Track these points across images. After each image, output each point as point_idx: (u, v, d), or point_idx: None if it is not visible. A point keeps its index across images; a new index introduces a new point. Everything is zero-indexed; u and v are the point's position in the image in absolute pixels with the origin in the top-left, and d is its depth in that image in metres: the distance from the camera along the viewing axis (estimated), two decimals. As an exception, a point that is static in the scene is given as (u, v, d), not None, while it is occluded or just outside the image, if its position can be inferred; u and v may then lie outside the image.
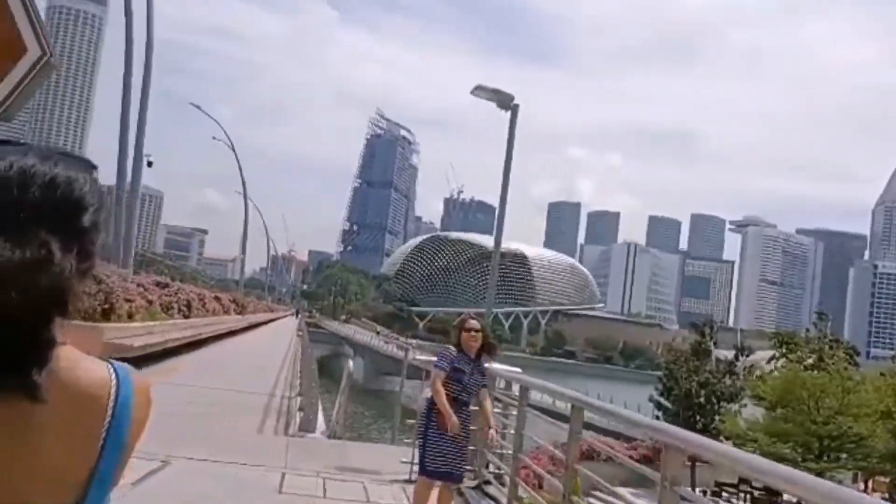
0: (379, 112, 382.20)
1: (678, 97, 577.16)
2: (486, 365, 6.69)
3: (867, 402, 30.68)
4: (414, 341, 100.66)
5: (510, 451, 6.98)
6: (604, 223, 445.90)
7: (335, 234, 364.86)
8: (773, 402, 35.43)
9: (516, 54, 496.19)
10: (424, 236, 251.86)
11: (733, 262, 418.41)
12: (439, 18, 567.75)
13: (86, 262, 0.90)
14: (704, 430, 35.48)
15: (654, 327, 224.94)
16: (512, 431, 7.09)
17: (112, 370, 0.96)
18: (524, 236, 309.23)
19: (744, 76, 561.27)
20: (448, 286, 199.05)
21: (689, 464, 34.92)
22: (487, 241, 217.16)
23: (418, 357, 8.25)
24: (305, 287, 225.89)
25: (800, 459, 30.87)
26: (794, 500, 32.61)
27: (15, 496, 0.81)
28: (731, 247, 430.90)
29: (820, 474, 31.69)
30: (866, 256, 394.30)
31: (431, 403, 6.19)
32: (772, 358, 45.73)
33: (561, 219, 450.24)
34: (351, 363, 10.36)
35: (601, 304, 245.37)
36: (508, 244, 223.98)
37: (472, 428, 6.46)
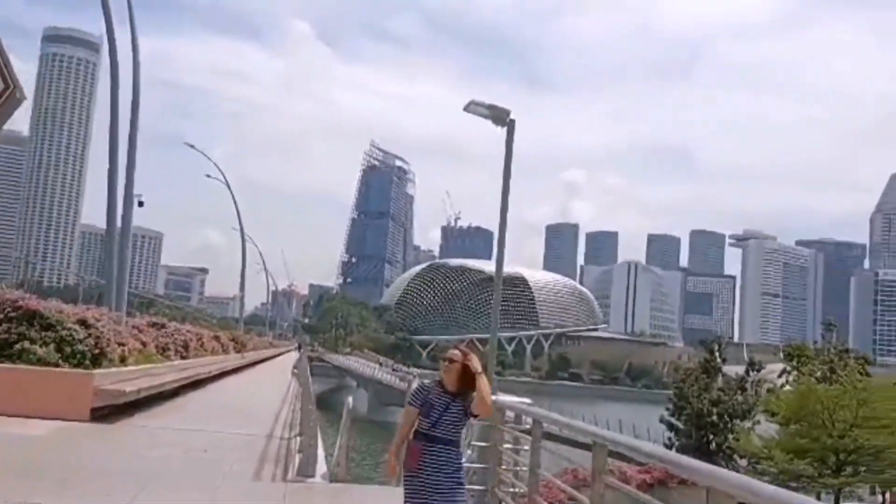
0: (374, 143, 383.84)
1: (673, 114, 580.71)
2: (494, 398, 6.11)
3: (883, 414, 30.02)
4: (416, 370, 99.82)
5: (524, 490, 6.44)
6: (603, 243, 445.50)
7: (335, 266, 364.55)
8: (787, 417, 34.74)
9: (509, 80, 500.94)
10: (424, 265, 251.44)
11: (735, 277, 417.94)
12: (430, 48, 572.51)
13: None
14: (719, 449, 34.84)
15: (660, 346, 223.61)
16: (525, 468, 6.52)
17: None
18: (523, 260, 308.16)
19: (738, 90, 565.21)
20: (450, 313, 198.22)
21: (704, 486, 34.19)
22: (487, 266, 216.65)
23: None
24: (307, 321, 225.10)
25: (817, 475, 30.15)
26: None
27: None
28: (732, 261, 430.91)
29: (839, 489, 30.97)
30: (866, 265, 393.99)
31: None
32: (783, 372, 45.04)
33: (559, 241, 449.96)
34: (350, 399, 9.83)
35: (604, 325, 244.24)
36: (508, 268, 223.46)
37: (463, 464, 5.82)
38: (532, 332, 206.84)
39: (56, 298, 17.80)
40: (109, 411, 13.57)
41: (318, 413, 12.05)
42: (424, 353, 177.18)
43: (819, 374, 38.01)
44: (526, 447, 6.68)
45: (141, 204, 25.15)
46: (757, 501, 2.80)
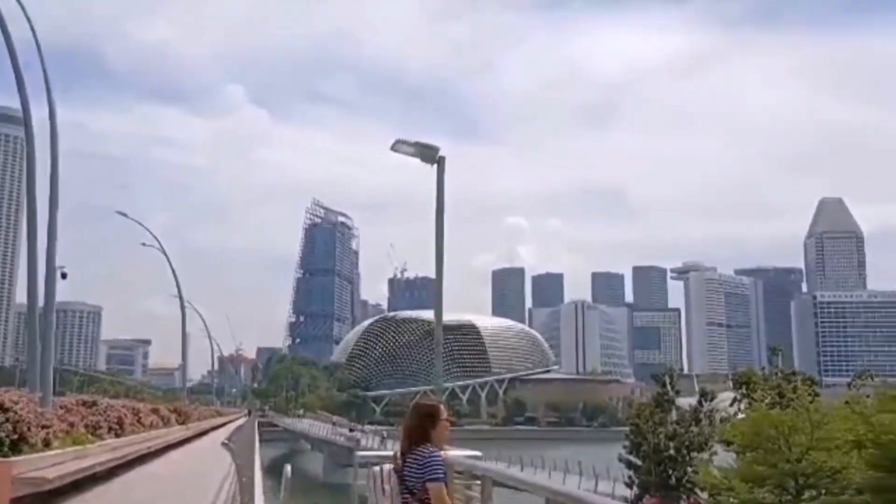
0: (316, 201, 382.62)
1: (607, 156, 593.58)
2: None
3: (836, 434, 30.11)
4: (370, 427, 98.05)
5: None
6: (549, 285, 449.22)
7: (283, 328, 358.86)
8: (743, 445, 34.62)
9: (448, 133, 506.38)
10: (372, 319, 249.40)
11: (679, 309, 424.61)
12: (368, 107, 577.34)
13: None
14: (679, 484, 34.51)
15: (612, 383, 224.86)
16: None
17: None
18: (472, 307, 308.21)
19: (665, 128, 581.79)
20: (401, 367, 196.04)
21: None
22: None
23: (365, 454, 7.03)
24: (256, 385, 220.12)
25: (779, 502, 29.97)
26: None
27: None
28: (676, 294, 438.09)
29: (801, 515, 30.80)
30: (804, 288, 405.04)
31: None
32: (734, 400, 45.29)
33: (506, 286, 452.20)
34: (288, 467, 9.14)
35: (556, 366, 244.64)
36: (457, 316, 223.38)
37: None
38: (486, 379, 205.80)
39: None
40: (31, 501, 12.52)
41: (268, 482, 11.28)
42: (378, 409, 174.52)
43: (769, 399, 38.16)
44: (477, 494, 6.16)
45: (64, 276, 24.09)
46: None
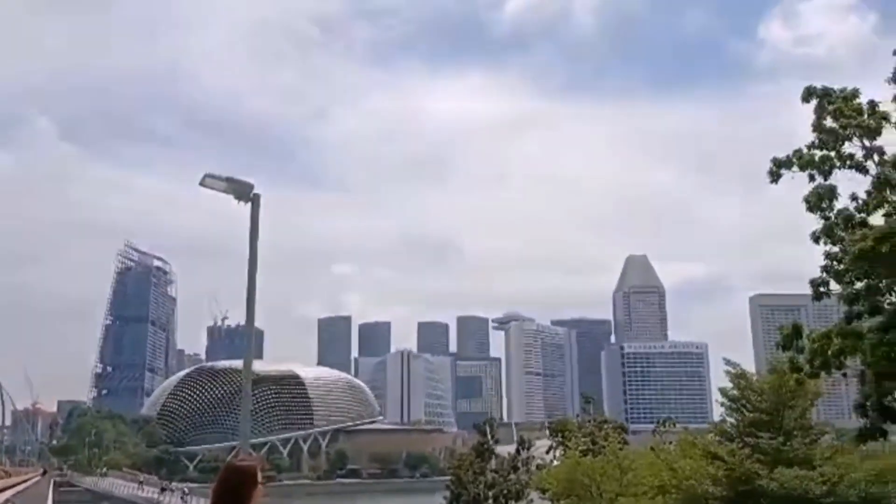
0: (129, 243, 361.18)
1: (434, 208, 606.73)
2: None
3: (643, 480, 31.66)
4: (185, 486, 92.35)
5: None
6: (376, 334, 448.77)
7: (88, 379, 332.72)
8: (558, 493, 35.66)
9: (277, 178, 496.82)
10: (188, 369, 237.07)
11: (500, 359, 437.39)
12: (194, 147, 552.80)
13: None
14: (497, 534, 34.82)
15: (435, 432, 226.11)
16: None
17: None
18: (297, 356, 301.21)
19: (491, 185, 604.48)
20: (219, 420, 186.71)
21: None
22: (258, 365, 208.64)
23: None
24: (55, 442, 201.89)
25: (591, 548, 30.93)
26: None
27: None
28: (497, 344, 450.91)
29: (611, 559, 31.92)
30: (613, 339, 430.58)
31: None
32: (550, 448, 46.70)
33: (332, 334, 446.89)
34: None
35: (381, 417, 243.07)
36: (281, 366, 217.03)
37: None
38: (308, 431, 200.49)
39: None
40: None
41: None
42: (192, 466, 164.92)
43: (583, 446, 39.62)
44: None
45: None
46: None
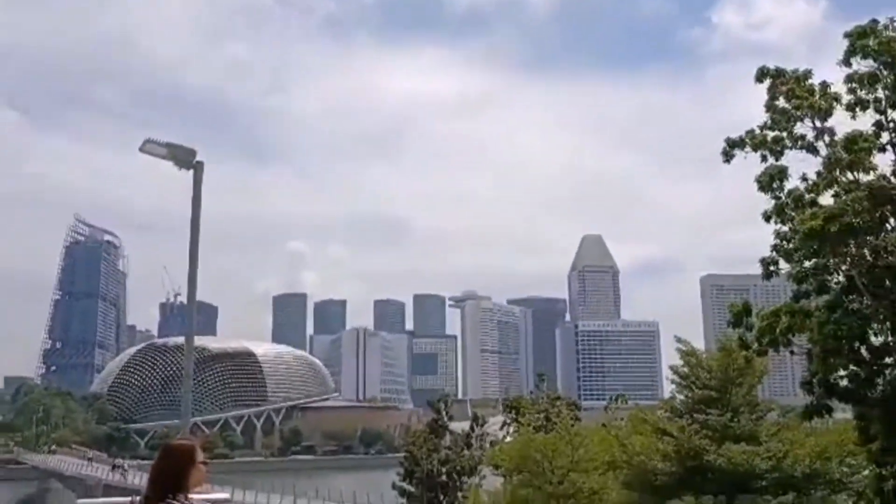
0: (78, 217, 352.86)
1: (389, 186, 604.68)
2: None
3: (594, 456, 32.00)
4: (135, 462, 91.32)
5: None
6: (331, 312, 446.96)
7: (36, 355, 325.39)
8: (510, 469, 35.88)
9: (231, 152, 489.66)
10: (139, 346, 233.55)
11: (456, 336, 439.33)
12: (145, 119, 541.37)
13: None
14: (450, 510, 35.00)
15: (391, 409, 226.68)
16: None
17: None
18: (253, 333, 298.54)
19: (445, 164, 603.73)
20: (170, 397, 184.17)
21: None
22: (211, 342, 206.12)
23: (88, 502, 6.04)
24: (1, 418, 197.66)
25: (542, 523, 31.20)
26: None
27: None
28: (453, 322, 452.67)
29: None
30: (567, 318, 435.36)
31: None
32: (504, 424, 47.00)
33: (288, 311, 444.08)
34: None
35: (336, 394, 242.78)
36: (235, 343, 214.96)
37: None
38: (262, 409, 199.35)
39: None
40: None
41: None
42: (143, 443, 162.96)
43: (536, 423, 39.89)
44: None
45: None
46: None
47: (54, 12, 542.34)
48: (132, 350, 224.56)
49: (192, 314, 10.93)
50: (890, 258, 15.80)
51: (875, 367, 16.71)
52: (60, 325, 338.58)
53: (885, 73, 16.23)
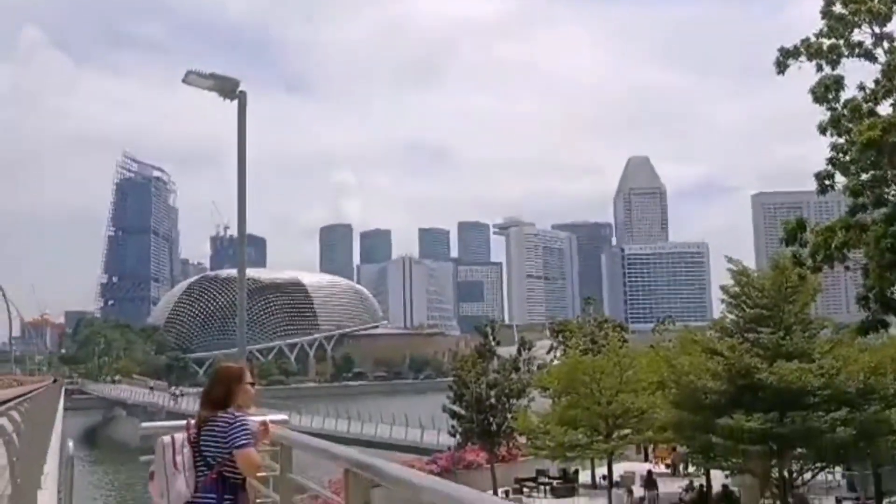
0: (127, 154, 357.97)
1: (431, 114, 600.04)
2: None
3: (643, 377, 32.18)
4: (193, 390, 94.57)
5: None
6: (377, 241, 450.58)
7: (94, 290, 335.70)
8: (559, 391, 36.33)
9: (272, 84, 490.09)
10: (193, 278, 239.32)
11: (501, 263, 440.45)
12: (185, 54, 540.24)
13: None
14: (499, 430, 35.67)
15: (437, 336, 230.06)
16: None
17: None
18: (299, 264, 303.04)
19: (487, 88, 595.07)
20: (225, 327, 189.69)
21: (489, 466, 34.91)
22: (261, 273, 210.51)
23: (151, 424, 6.19)
24: (64, 352, 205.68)
25: (590, 442, 31.73)
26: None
27: None
28: (497, 249, 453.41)
29: (611, 453, 32.82)
30: (614, 242, 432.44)
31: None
32: (551, 348, 47.45)
33: (334, 242, 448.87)
34: (70, 443, 8.06)
35: (384, 322, 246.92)
36: (284, 273, 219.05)
37: None
38: (314, 337, 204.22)
39: None
40: None
41: (81, 453, 9.93)
42: (202, 372, 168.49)
43: (583, 346, 40.19)
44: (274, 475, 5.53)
45: None
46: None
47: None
48: (186, 283, 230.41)
49: (242, 243, 11.02)
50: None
51: (934, 281, 16.25)
52: (115, 260, 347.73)
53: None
